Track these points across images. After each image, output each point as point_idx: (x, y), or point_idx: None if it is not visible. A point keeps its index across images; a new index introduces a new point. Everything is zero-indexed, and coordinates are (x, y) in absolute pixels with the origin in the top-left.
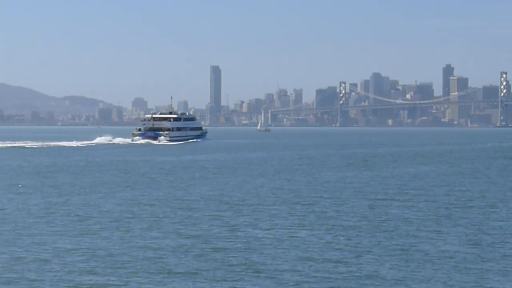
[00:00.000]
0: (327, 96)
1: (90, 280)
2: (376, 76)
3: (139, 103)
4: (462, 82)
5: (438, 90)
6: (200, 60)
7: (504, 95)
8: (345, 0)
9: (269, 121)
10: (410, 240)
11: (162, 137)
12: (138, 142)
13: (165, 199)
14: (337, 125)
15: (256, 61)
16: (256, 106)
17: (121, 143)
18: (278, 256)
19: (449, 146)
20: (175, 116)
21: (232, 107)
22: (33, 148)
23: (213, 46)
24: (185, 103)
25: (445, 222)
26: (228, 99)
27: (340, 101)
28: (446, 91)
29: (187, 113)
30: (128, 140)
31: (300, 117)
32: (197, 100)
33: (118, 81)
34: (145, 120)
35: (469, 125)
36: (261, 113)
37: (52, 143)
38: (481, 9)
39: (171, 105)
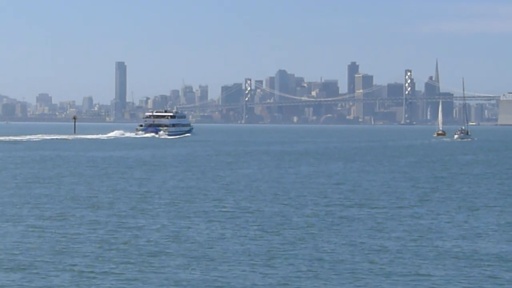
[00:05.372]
0: (232, 93)
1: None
2: (282, 73)
3: (43, 98)
4: (367, 80)
5: (343, 88)
6: (105, 56)
7: (408, 93)
8: None
9: None
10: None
11: (162, 132)
12: (144, 136)
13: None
14: (243, 122)
15: (162, 57)
16: (161, 103)
17: (131, 136)
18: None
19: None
20: (171, 114)
21: (137, 103)
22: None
23: (118, 42)
24: (90, 99)
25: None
26: (134, 96)
27: (245, 98)
28: (351, 88)
29: (179, 111)
30: (133, 134)
31: (205, 114)
32: (102, 96)
33: (22, 76)
34: (146, 117)
35: (373, 122)
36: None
37: (83, 136)
38: (385, 6)
39: (167, 104)
